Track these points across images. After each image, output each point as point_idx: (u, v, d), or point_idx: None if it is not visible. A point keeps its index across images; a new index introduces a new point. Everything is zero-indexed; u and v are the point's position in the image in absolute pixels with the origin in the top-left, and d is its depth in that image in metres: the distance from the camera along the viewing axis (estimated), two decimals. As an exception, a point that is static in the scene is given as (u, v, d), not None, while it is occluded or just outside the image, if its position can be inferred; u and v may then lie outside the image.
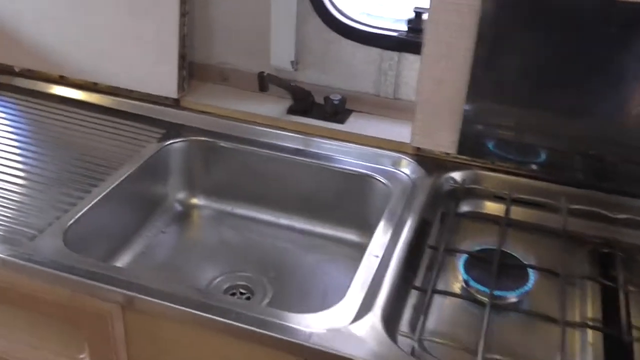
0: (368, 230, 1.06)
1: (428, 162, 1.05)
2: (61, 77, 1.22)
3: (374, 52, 1.13)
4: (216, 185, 1.13)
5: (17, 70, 1.25)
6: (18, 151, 1.04)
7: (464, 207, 1.00)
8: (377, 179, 1.05)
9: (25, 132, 1.10)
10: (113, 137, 1.09)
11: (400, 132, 1.10)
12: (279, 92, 1.15)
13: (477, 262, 0.85)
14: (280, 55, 1.16)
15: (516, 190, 1.01)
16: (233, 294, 1.00)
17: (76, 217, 0.88)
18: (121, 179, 0.99)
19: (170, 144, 1.10)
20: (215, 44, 1.21)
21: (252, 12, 1.16)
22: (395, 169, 1.06)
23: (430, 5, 0.96)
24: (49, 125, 1.12)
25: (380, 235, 0.90)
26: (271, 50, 1.16)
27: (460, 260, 0.86)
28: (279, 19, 1.13)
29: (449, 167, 1.04)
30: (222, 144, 1.10)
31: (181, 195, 1.15)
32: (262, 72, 1.02)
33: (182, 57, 1.15)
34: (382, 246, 0.87)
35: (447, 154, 1.06)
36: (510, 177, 1.03)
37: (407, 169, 1.05)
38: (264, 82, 1.01)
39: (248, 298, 0.99)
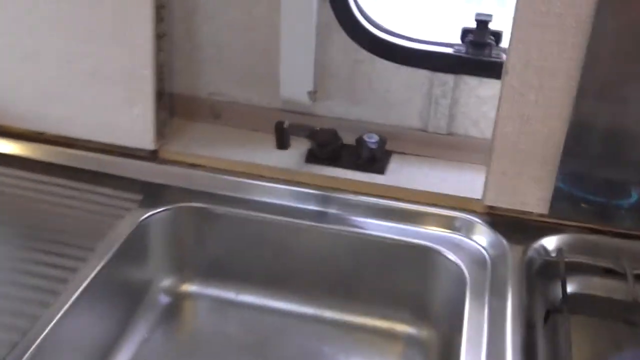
0: (427, 319, 0.87)
1: (506, 224, 0.85)
2: (-6, 124, 0.97)
3: (421, 74, 0.93)
4: (214, 264, 0.92)
5: None
6: None
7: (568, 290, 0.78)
8: (439, 253, 0.83)
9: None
10: (70, 210, 0.86)
11: (460, 181, 0.91)
12: (294, 132, 0.91)
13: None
14: (293, 84, 0.93)
15: (635, 259, 0.79)
16: None
17: (29, 352, 0.63)
18: (88, 280, 0.75)
19: (150, 215, 0.87)
20: (203, 69, 0.99)
21: (253, 26, 0.94)
22: (463, 237, 0.85)
23: (516, 17, 0.73)
24: (-22, 196, 0.87)
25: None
26: (281, 77, 0.93)
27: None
28: (292, 35, 0.90)
29: (535, 231, 0.84)
30: (219, 209, 0.88)
31: (168, 281, 0.91)
32: (281, 123, 0.78)
33: (160, 94, 0.91)
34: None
35: (531, 213, 0.83)
36: (624, 241, 0.82)
37: (481, 236, 0.84)
38: (285, 137, 0.76)
39: None
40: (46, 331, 0.68)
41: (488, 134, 0.92)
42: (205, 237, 0.90)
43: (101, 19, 0.87)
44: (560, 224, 0.83)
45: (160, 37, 0.90)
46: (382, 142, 0.91)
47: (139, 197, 0.88)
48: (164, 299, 0.91)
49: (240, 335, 0.88)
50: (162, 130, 0.94)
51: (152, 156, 0.93)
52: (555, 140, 0.78)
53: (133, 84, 0.90)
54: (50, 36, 0.90)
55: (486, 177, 0.83)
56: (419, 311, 0.87)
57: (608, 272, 0.80)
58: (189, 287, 0.93)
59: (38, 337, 0.67)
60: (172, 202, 0.88)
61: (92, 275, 0.76)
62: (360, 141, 0.91)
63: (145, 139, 0.92)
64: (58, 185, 0.90)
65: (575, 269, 0.80)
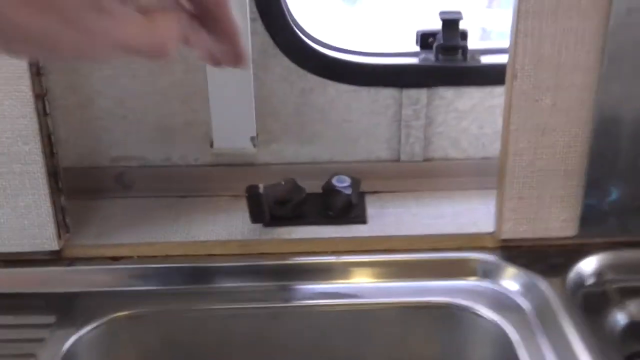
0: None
1: (530, 258, 0.74)
2: None
3: (385, 94, 0.82)
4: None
5: None
6: None
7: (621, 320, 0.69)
8: (465, 310, 0.72)
9: None
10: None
11: (457, 214, 0.81)
12: (235, 188, 0.76)
13: None
14: (229, 131, 0.78)
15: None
16: None
17: None
18: None
19: (74, 342, 0.67)
20: (100, 130, 0.81)
21: (164, 64, 0.77)
22: (486, 283, 0.74)
23: (519, 6, 0.63)
24: None
25: None
26: (213, 124, 0.77)
27: None
28: (221, 69, 0.73)
29: (566, 259, 0.74)
30: (164, 311, 0.72)
31: None
32: (254, 188, 0.63)
33: (53, 174, 0.71)
34: None
35: (556, 238, 0.75)
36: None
37: (508, 279, 0.73)
38: (264, 206, 0.60)
39: None
40: None
41: (472, 153, 0.83)
42: (154, 351, 0.73)
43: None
44: (591, 244, 0.75)
45: (42, 96, 0.70)
46: (356, 184, 0.78)
47: (50, 318, 0.69)
48: None
49: None
50: (63, 221, 0.74)
51: (56, 258, 0.75)
52: (578, 148, 0.69)
53: (14, 166, 0.70)
54: None
55: (499, 206, 0.73)
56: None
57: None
58: None
59: None
60: (98, 316, 0.70)
61: None
62: (328, 188, 0.77)
63: (43, 238, 0.73)
64: None
65: (626, 293, 0.72)
